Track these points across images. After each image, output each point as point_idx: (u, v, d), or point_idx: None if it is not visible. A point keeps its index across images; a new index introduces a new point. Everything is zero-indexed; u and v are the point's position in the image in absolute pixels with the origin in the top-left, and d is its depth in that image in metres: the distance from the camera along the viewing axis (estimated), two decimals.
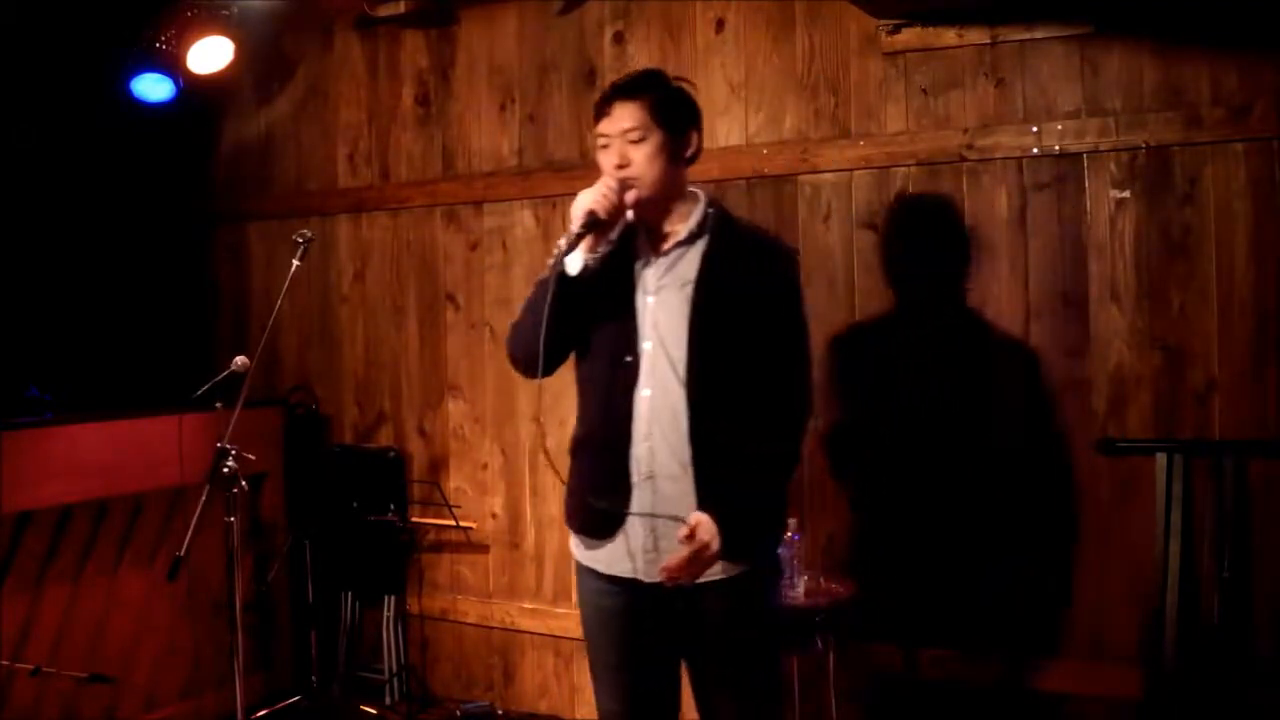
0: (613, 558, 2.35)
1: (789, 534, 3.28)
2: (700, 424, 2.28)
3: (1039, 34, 3.33)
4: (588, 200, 2.28)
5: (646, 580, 2.32)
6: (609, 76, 3.96)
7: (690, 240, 2.36)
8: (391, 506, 4.27)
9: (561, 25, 4.08)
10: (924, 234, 3.51)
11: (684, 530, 2.20)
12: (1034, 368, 3.36)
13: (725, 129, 3.79)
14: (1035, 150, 3.34)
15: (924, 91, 3.50)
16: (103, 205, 4.56)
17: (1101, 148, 3.26)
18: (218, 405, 3.15)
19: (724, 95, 3.78)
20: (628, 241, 2.39)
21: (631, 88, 2.35)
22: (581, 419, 2.46)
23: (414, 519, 4.31)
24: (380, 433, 4.50)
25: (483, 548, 4.29)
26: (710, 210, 2.40)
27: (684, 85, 2.42)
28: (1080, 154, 3.29)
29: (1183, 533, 3.06)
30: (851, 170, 3.59)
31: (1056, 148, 3.32)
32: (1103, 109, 3.27)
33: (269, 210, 4.72)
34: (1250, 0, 3.05)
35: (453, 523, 4.18)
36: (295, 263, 3.21)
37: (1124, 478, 3.24)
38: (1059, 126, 3.31)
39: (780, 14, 3.70)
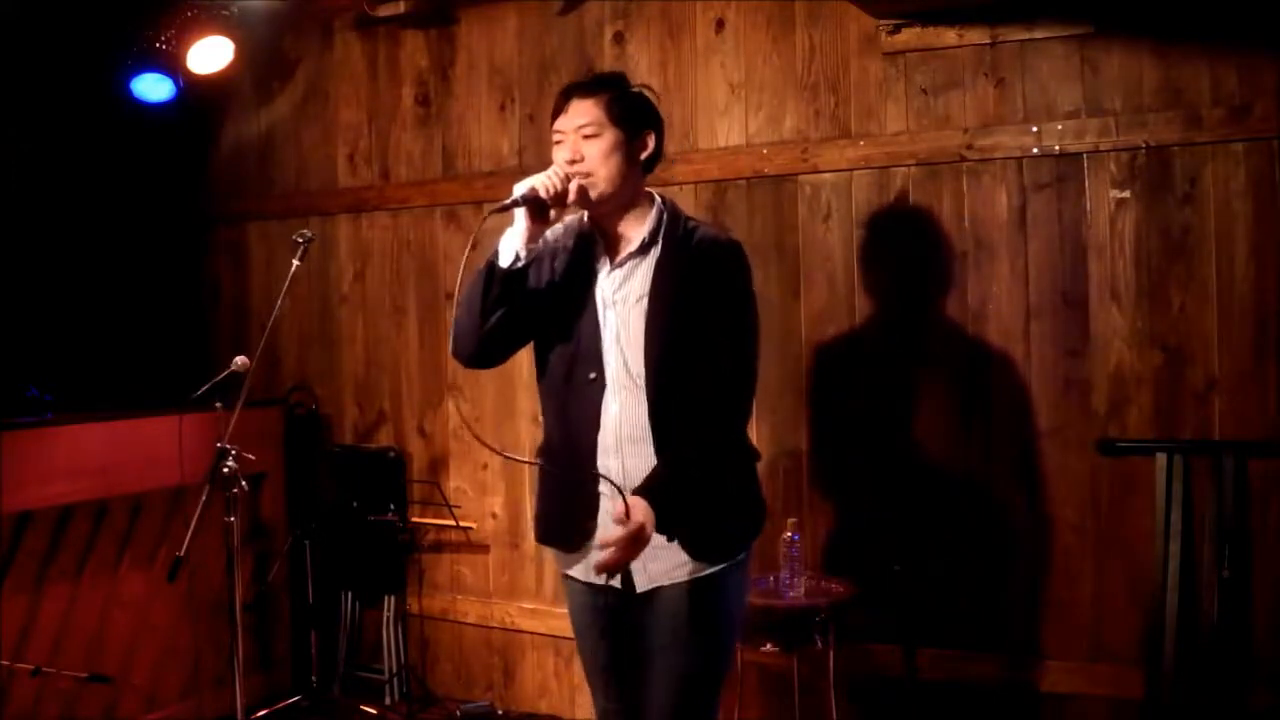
0: (587, 567, 2.36)
1: (788, 534, 3.29)
2: (666, 435, 2.28)
3: (1039, 34, 3.33)
4: (531, 179, 2.29)
5: (620, 586, 2.35)
6: None
7: (644, 250, 2.35)
8: (391, 506, 4.27)
9: (561, 25, 4.08)
10: (925, 234, 3.51)
11: (619, 510, 2.16)
12: (1034, 368, 3.36)
13: (725, 129, 3.78)
14: (1035, 150, 3.34)
15: (924, 91, 3.50)
16: (103, 205, 4.56)
17: (1101, 148, 3.26)
18: (218, 405, 3.15)
19: (724, 95, 3.78)
20: (587, 251, 2.40)
21: (589, 85, 2.37)
22: (548, 433, 2.47)
23: (414, 519, 4.31)
24: (380, 433, 4.49)
25: (483, 548, 4.28)
26: (663, 215, 2.37)
27: (645, 90, 2.41)
28: (1080, 154, 3.29)
29: (1183, 533, 3.05)
30: (851, 170, 3.59)
31: (1056, 148, 3.31)
32: (1103, 109, 3.27)
33: (269, 210, 4.72)
34: (1250, 0, 3.05)
35: (453, 523, 4.18)
36: (295, 263, 3.21)
37: (1124, 478, 3.24)
38: (1059, 126, 3.31)
39: (780, 14, 3.70)
